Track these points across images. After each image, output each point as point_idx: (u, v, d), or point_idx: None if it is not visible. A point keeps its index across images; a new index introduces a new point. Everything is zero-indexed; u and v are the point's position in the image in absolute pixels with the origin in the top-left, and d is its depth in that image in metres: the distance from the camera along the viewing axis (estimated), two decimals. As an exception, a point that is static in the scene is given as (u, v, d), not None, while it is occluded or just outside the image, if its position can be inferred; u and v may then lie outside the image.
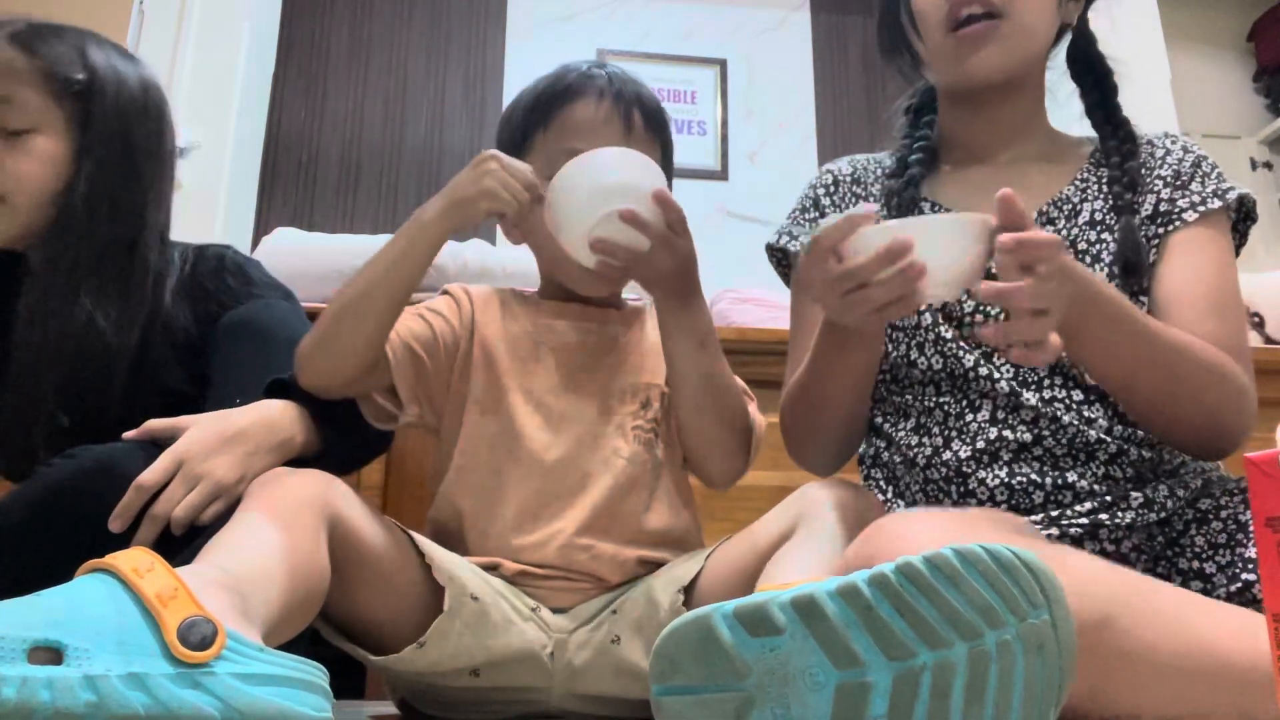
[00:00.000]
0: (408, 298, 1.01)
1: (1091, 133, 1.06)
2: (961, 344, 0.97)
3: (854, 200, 1.12)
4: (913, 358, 0.99)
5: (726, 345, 1.60)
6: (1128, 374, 0.87)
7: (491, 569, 1.00)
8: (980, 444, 0.93)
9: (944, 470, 0.95)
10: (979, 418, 0.95)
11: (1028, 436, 0.92)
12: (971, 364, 0.95)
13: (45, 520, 0.88)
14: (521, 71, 3.19)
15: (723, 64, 3.39)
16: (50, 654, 0.52)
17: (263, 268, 1.20)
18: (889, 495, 1.02)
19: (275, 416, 0.97)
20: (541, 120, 1.09)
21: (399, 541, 0.94)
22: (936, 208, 1.04)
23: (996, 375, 0.94)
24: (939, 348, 0.98)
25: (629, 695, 0.95)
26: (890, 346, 1.02)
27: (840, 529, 0.86)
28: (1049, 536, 0.88)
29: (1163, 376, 0.86)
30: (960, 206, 1.01)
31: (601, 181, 0.94)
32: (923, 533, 0.66)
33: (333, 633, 0.92)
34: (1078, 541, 0.88)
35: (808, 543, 0.87)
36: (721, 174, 3.28)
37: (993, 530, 0.69)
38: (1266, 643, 0.64)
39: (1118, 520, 0.88)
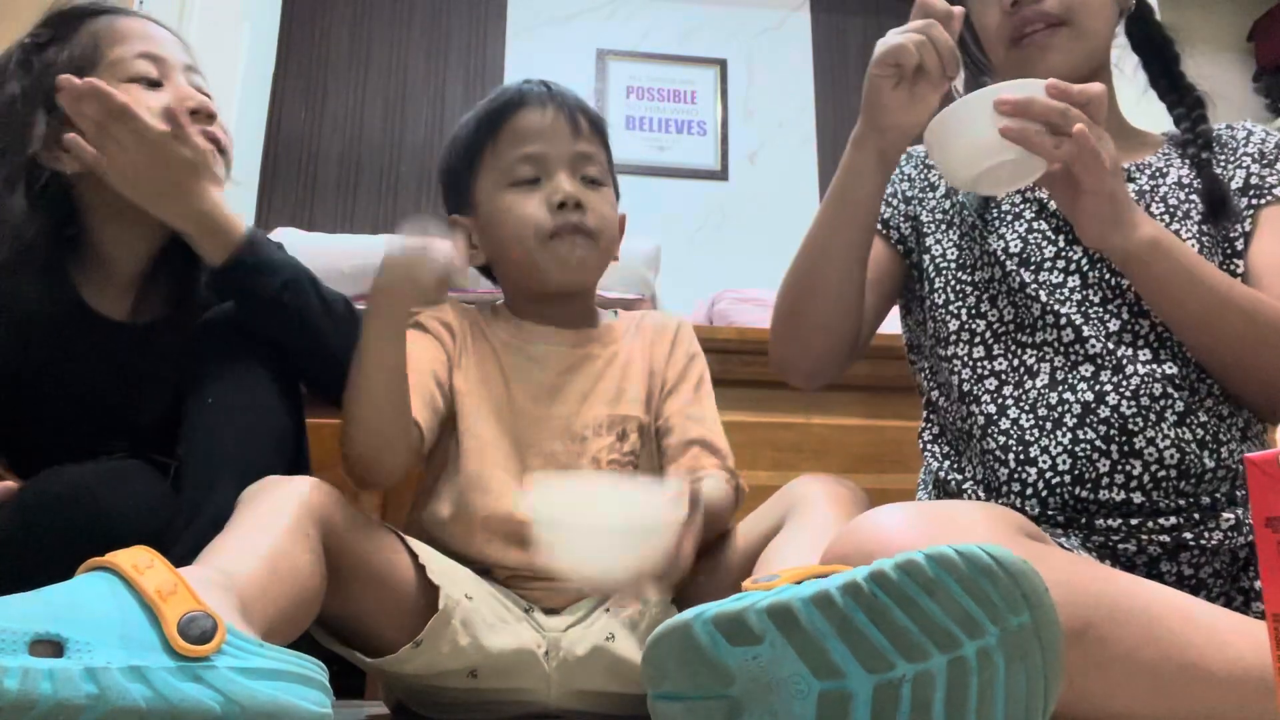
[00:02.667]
0: (404, 391, 0.97)
1: (1162, 127, 1.08)
2: (1027, 291, 0.97)
3: (923, 170, 1.13)
4: (983, 310, 1.00)
5: (726, 345, 1.61)
6: (1197, 327, 0.88)
7: (484, 572, 1.01)
8: (1041, 410, 0.92)
9: (1001, 440, 0.94)
10: (1037, 384, 0.94)
11: (1089, 395, 0.90)
12: (1039, 312, 0.95)
13: (19, 540, 0.89)
14: (521, 72, 3.16)
15: (723, 64, 3.39)
16: (51, 647, 0.53)
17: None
18: (945, 468, 1.01)
19: None
20: (489, 135, 1.09)
21: (392, 544, 0.95)
22: None
23: (1062, 315, 0.94)
24: (1011, 298, 0.98)
25: (625, 692, 0.95)
26: (952, 294, 1.03)
27: (830, 522, 0.87)
28: (1126, 550, 0.87)
29: (1235, 332, 0.87)
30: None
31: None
32: (901, 531, 0.66)
33: (327, 636, 0.92)
34: (1154, 561, 0.87)
35: (798, 536, 0.88)
36: (721, 174, 3.28)
37: (985, 529, 0.68)
38: (1248, 649, 0.65)
39: (1203, 543, 0.86)
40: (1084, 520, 0.89)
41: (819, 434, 1.75)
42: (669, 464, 1.06)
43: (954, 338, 1.01)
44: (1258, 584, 0.87)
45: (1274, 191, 0.97)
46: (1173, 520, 0.87)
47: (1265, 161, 1.00)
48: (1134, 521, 0.87)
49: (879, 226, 1.10)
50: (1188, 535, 0.86)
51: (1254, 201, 0.98)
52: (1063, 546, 0.85)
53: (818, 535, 0.84)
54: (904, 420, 1.74)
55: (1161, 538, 0.87)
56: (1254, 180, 0.99)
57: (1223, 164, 1.01)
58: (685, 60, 3.37)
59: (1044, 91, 0.84)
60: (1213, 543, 0.86)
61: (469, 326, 1.12)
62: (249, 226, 1.04)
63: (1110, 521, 0.88)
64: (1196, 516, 0.87)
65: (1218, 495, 0.88)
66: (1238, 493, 0.90)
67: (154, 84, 1.06)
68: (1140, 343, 0.92)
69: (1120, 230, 0.85)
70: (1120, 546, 0.87)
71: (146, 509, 0.92)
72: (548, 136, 1.08)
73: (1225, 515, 0.87)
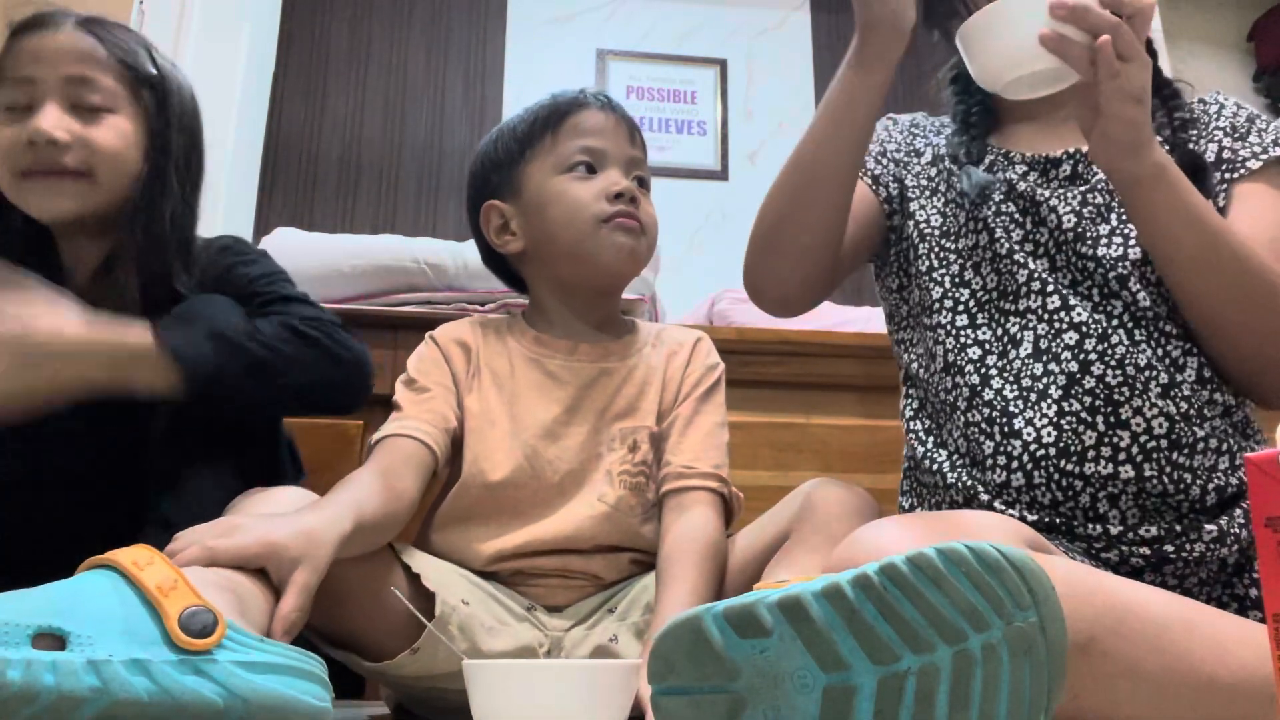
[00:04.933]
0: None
1: None
2: (1014, 258, 0.95)
3: (910, 136, 1.12)
4: (967, 278, 0.99)
5: (726, 345, 1.61)
6: (1190, 268, 0.87)
7: (489, 575, 1.01)
8: (1026, 381, 0.91)
9: (985, 411, 0.92)
10: (1021, 353, 0.93)
11: (1074, 366, 0.89)
12: (1025, 278, 0.95)
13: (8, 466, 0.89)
14: (521, 71, 3.19)
15: (723, 64, 3.39)
16: (54, 640, 0.53)
17: (269, 256, 1.19)
18: (929, 446, 0.99)
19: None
20: (549, 126, 1.11)
21: (382, 555, 0.95)
22: (996, 150, 1.04)
23: (1049, 282, 0.93)
24: (995, 265, 0.97)
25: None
26: (935, 261, 1.01)
27: (838, 528, 0.87)
28: (1107, 561, 0.86)
29: (1226, 279, 0.86)
30: (1024, 152, 1.02)
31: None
32: (903, 544, 0.65)
33: (325, 643, 0.92)
34: (1137, 573, 0.86)
35: (805, 543, 0.88)
36: (721, 174, 3.28)
37: (991, 536, 0.68)
38: (1250, 657, 0.65)
39: (1185, 555, 0.86)
40: (1064, 528, 0.88)
41: (819, 434, 1.75)
42: (665, 485, 1.05)
43: (937, 305, 1.00)
44: (1253, 591, 0.87)
45: (1246, 165, 0.97)
46: (1154, 531, 0.86)
47: (1237, 135, 0.99)
48: (1114, 531, 0.86)
49: (869, 181, 1.09)
50: (1169, 548, 0.85)
51: (1227, 175, 0.97)
52: None
53: (823, 545, 0.84)
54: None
55: (1142, 549, 0.86)
56: (1225, 154, 0.98)
57: (1195, 139, 1.00)
58: (685, 60, 3.37)
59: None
60: (1195, 555, 0.86)
61: (484, 344, 1.11)
62: (154, 332, 0.94)
63: (1091, 529, 0.87)
64: (1178, 528, 0.86)
65: (1208, 488, 0.87)
66: (1228, 488, 0.88)
67: (27, 109, 1.01)
68: (1114, 323, 0.91)
69: (1133, 157, 0.84)
70: (1103, 555, 0.87)
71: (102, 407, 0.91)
72: (608, 135, 1.11)
73: (1208, 527, 0.86)
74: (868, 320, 2.04)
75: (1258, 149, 0.97)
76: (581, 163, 1.10)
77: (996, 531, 0.71)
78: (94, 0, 1.14)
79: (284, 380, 0.97)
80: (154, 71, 1.09)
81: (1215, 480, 0.88)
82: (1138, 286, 0.92)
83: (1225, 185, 0.97)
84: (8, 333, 0.86)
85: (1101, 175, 0.97)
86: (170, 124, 1.09)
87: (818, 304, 1.07)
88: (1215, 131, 1.00)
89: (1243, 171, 0.96)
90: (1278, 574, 0.48)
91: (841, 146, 0.95)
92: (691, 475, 1.03)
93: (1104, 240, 0.94)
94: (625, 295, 1.77)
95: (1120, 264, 0.92)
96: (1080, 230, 0.95)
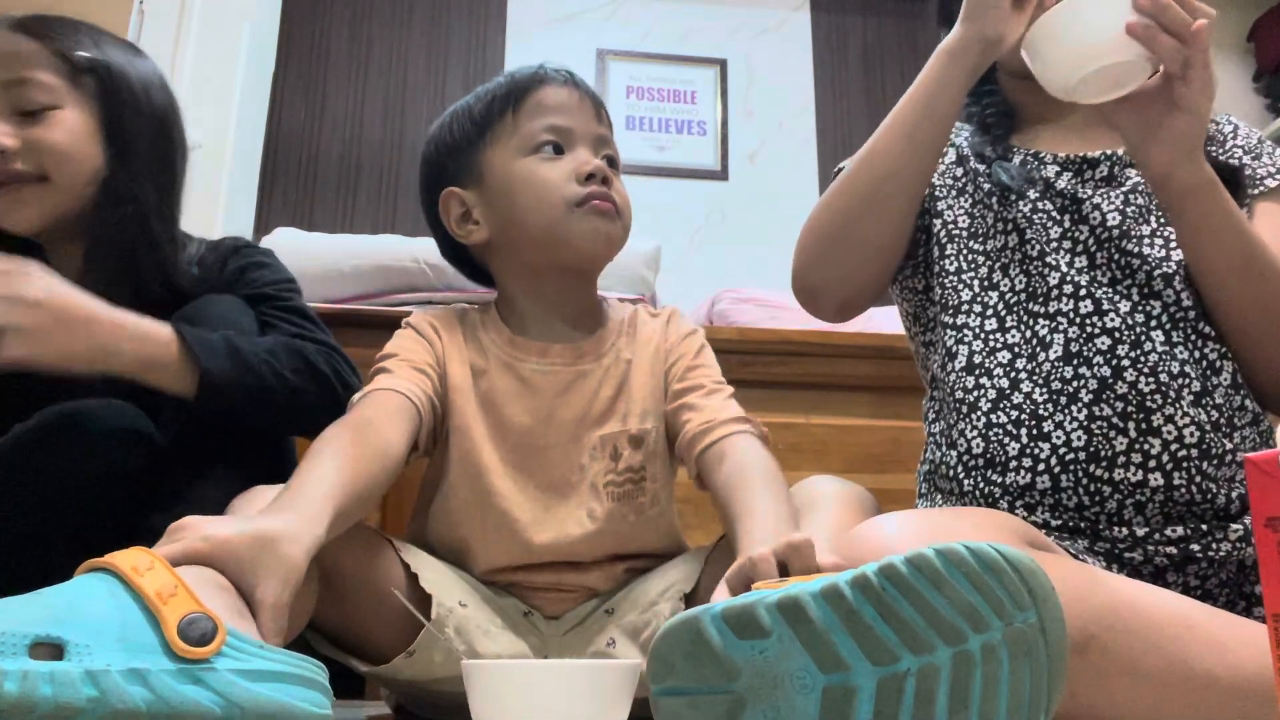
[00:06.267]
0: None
1: None
2: (1046, 260, 0.96)
3: None
4: (995, 280, 0.98)
5: (726, 345, 1.61)
6: (1231, 273, 0.89)
7: (488, 583, 1.00)
8: (1055, 384, 0.91)
9: (1013, 414, 0.91)
10: (1050, 355, 0.92)
11: (1106, 371, 0.89)
12: (1056, 281, 0.94)
13: (10, 471, 0.88)
14: (521, 71, 3.19)
15: (723, 64, 3.39)
16: (51, 649, 0.52)
17: (277, 258, 1.17)
18: (943, 449, 0.98)
19: (137, 324, 0.91)
20: (508, 105, 1.05)
21: (385, 553, 0.93)
22: (1023, 151, 1.04)
23: (1082, 287, 0.93)
24: (1025, 266, 0.97)
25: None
26: (964, 263, 1.01)
27: (838, 524, 0.86)
28: (1130, 561, 0.86)
29: (1264, 284, 0.88)
30: (1056, 153, 1.03)
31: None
32: (903, 539, 0.65)
33: (324, 643, 0.91)
34: (1161, 572, 0.86)
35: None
36: (721, 174, 3.28)
37: (988, 535, 0.68)
38: (1249, 657, 0.65)
39: (1211, 554, 0.85)
40: (1088, 530, 0.88)
41: (819, 434, 1.75)
42: (695, 446, 1.00)
43: (965, 308, 0.99)
44: (1258, 589, 0.87)
45: (1265, 183, 0.99)
46: (1180, 531, 0.86)
47: (1253, 154, 1.02)
48: (1140, 532, 0.86)
49: None
50: (1195, 547, 0.85)
51: (1249, 192, 0.99)
52: (1069, 550, 0.84)
53: (823, 543, 0.84)
54: (904, 420, 1.74)
55: (1169, 549, 0.85)
56: (1246, 171, 1.00)
57: (1214, 155, 1.01)
58: (685, 60, 3.37)
59: None
60: (1220, 554, 0.85)
61: (464, 341, 1.06)
62: (176, 330, 0.93)
63: (1117, 531, 0.86)
64: (1204, 528, 0.86)
65: (1232, 496, 0.87)
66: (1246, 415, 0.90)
67: None
68: (1153, 324, 0.91)
69: (1192, 160, 0.86)
70: (1126, 555, 0.86)
71: (122, 418, 0.92)
72: (573, 112, 1.05)
73: (1234, 526, 0.86)
74: (868, 320, 2.04)
75: (1272, 169, 1.00)
76: (548, 142, 1.03)
77: (996, 530, 0.71)
78: (94, 3, 1.13)
79: (285, 406, 0.97)
80: (90, 55, 1.03)
81: (1238, 489, 0.88)
82: (1182, 286, 0.92)
83: (1248, 202, 0.99)
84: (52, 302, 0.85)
85: (1137, 179, 0.98)
86: (124, 109, 1.04)
87: (873, 304, 1.06)
88: (1234, 150, 1.02)
89: (1261, 189, 0.99)
90: (1278, 574, 0.48)
91: (925, 136, 0.96)
92: (718, 425, 0.99)
93: (1146, 240, 0.95)
94: (625, 295, 1.78)
95: (1165, 264, 0.93)
96: (1125, 228, 0.95)
